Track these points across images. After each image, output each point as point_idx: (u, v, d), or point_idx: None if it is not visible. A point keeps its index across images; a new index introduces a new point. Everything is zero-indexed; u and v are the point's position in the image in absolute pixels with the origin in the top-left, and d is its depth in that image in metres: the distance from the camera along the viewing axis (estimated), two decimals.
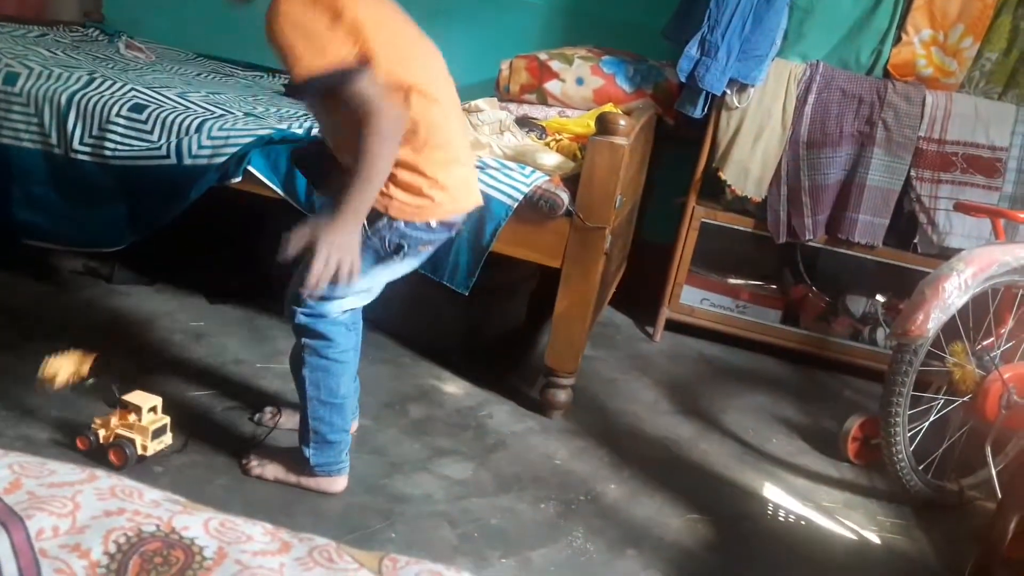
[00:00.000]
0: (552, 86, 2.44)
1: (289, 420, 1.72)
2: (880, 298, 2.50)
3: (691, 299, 2.53)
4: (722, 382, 2.38)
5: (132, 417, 1.52)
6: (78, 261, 2.19)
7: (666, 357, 2.48)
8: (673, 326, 2.57)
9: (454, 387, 2.04)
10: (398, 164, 1.36)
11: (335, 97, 1.31)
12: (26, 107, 2.00)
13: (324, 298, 1.42)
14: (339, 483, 1.56)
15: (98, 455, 1.49)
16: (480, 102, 2.17)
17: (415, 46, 1.45)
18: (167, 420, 1.56)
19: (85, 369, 1.52)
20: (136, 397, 1.54)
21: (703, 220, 2.45)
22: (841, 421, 2.06)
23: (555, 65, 2.45)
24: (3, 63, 2.07)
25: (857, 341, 2.49)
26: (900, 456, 1.84)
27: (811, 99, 2.31)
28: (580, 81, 2.43)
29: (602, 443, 1.90)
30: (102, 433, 1.51)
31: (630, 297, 2.64)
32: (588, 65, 2.45)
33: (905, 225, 2.39)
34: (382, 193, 1.37)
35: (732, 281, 2.57)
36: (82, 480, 0.52)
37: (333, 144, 1.47)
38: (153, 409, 1.54)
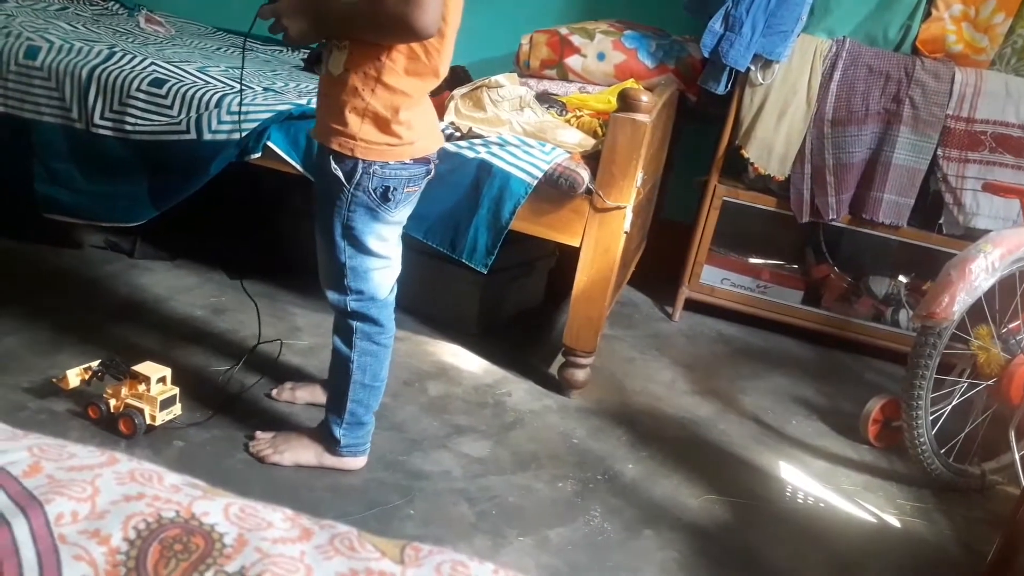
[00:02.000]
0: (573, 61, 2.41)
1: (306, 395, 1.73)
2: (903, 279, 2.46)
3: (711, 279, 2.50)
4: (741, 362, 2.37)
5: (141, 387, 1.53)
6: (100, 236, 2.21)
7: (685, 337, 2.46)
8: (693, 306, 2.55)
9: (472, 365, 2.04)
10: (377, 86, 1.31)
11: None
12: (47, 81, 2.00)
13: (366, 279, 1.43)
14: (360, 461, 1.57)
15: (109, 424, 1.52)
16: (500, 77, 2.14)
17: None
18: (176, 391, 1.57)
19: (93, 365, 1.58)
20: (145, 368, 1.56)
21: (725, 199, 2.42)
22: (862, 403, 2.04)
23: (576, 40, 2.42)
24: (24, 37, 2.07)
25: (879, 322, 2.46)
26: (922, 439, 1.82)
27: (837, 76, 2.26)
28: (601, 56, 2.40)
29: (620, 422, 1.90)
30: (112, 403, 1.54)
31: (649, 276, 2.62)
32: (610, 40, 2.41)
33: (930, 205, 2.34)
34: (346, 134, 1.33)
35: (753, 261, 2.54)
36: (102, 463, 0.52)
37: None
38: (162, 380, 1.56)
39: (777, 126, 2.31)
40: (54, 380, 1.57)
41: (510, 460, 1.69)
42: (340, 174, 1.35)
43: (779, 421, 2.06)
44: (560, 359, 1.96)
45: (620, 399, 2.01)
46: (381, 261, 1.46)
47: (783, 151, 2.33)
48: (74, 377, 1.56)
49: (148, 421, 1.53)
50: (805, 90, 2.29)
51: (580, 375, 1.94)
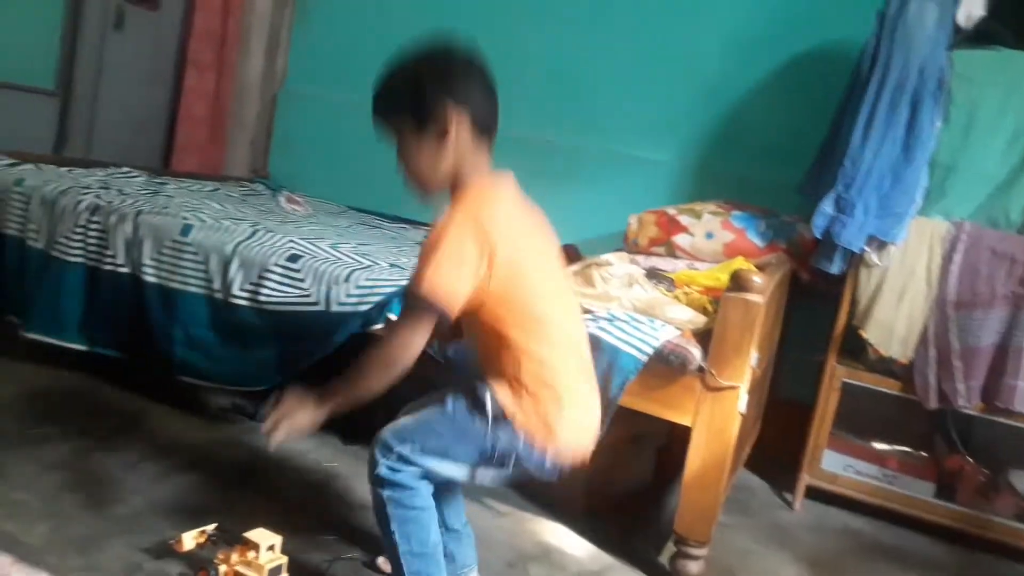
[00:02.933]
0: (681, 239, 2.46)
1: None
2: None
3: (833, 465, 2.36)
4: (871, 561, 2.18)
5: (251, 554, 1.54)
6: (227, 399, 2.32)
7: (807, 529, 2.30)
8: (814, 493, 2.40)
9: (577, 548, 1.96)
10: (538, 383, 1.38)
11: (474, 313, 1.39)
12: (196, 256, 2.20)
13: (412, 461, 1.41)
14: None
15: None
16: (609, 256, 2.21)
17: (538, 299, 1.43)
18: (284, 560, 1.57)
19: (208, 529, 1.62)
20: (257, 535, 1.56)
21: (845, 380, 2.33)
22: None
23: (684, 219, 2.48)
24: (181, 216, 2.31)
25: None
26: None
27: (957, 258, 2.21)
28: (710, 235, 2.45)
29: None
30: (223, 568, 1.53)
31: (766, 459, 2.50)
32: (718, 220, 2.46)
33: None
34: (516, 396, 1.38)
35: (878, 447, 2.39)
36: None
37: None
38: (272, 548, 1.56)
39: (897, 308, 2.25)
40: (171, 543, 1.60)
41: None
42: (489, 410, 1.38)
43: None
44: (671, 548, 1.86)
45: None
46: (448, 472, 1.43)
47: (904, 333, 2.25)
48: (189, 540, 1.59)
49: None
50: (924, 272, 2.24)
51: (693, 567, 1.82)
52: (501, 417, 1.38)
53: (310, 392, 1.41)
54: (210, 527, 1.62)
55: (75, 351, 2.31)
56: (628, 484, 2.30)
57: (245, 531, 1.58)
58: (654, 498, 2.30)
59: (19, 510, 1.66)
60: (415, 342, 1.36)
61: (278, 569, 1.57)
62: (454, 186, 1.43)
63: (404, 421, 1.47)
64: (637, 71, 3.14)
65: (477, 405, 1.40)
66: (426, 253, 1.36)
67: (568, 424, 1.41)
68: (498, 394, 1.39)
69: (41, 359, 2.37)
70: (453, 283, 1.34)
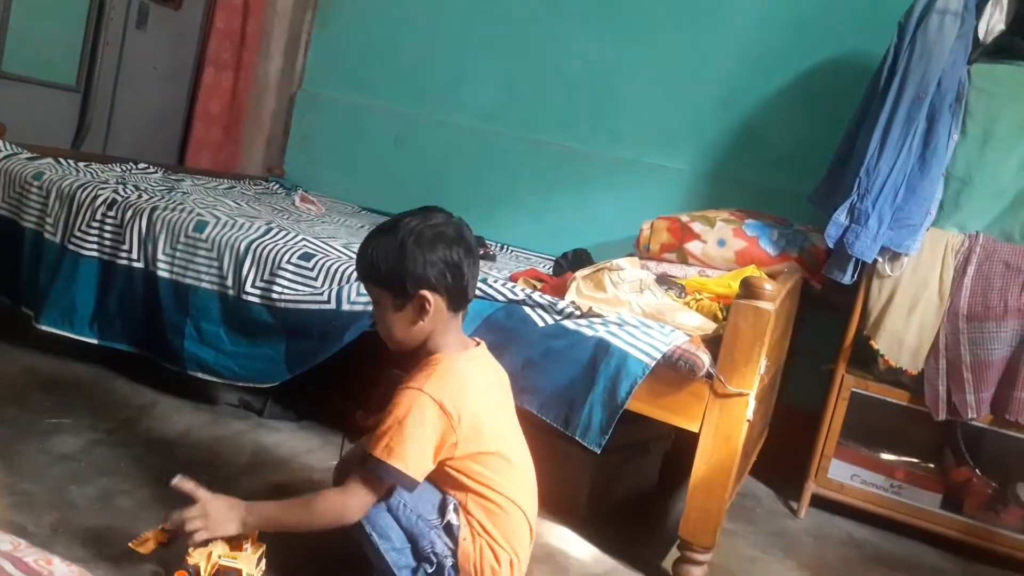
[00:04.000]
0: (693, 246, 2.46)
1: None
2: None
3: (840, 474, 2.36)
4: (874, 570, 2.17)
5: (246, 544, 1.52)
6: (235, 395, 2.34)
7: (812, 537, 2.29)
8: (819, 502, 2.39)
9: (581, 551, 1.96)
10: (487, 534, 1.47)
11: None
12: (210, 252, 2.22)
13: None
14: None
15: None
16: (621, 261, 2.21)
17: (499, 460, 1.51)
18: (263, 547, 1.55)
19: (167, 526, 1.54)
20: None
21: (853, 390, 2.33)
22: None
23: (696, 227, 2.48)
24: (195, 212, 2.33)
25: None
26: None
27: (971, 271, 2.20)
28: (722, 243, 2.44)
29: None
30: (203, 564, 1.48)
31: (772, 467, 2.50)
32: (730, 228, 2.46)
33: None
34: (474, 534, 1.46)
35: (886, 457, 2.38)
36: None
37: None
38: (248, 539, 1.53)
39: (908, 319, 2.24)
40: (131, 545, 1.51)
41: None
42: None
43: None
44: (675, 552, 1.86)
45: None
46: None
47: (915, 344, 2.24)
48: (151, 541, 1.51)
49: None
50: (937, 284, 2.23)
51: (697, 573, 1.82)
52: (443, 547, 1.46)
53: (238, 503, 1.48)
54: (168, 524, 1.53)
55: (87, 344, 2.34)
56: (633, 489, 2.30)
57: None
58: (659, 503, 2.30)
59: (28, 501, 1.68)
60: (366, 504, 1.43)
61: (262, 556, 1.56)
62: (426, 349, 1.50)
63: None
64: (654, 79, 3.14)
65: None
66: (391, 422, 1.41)
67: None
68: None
69: (53, 351, 2.40)
70: (419, 457, 1.40)
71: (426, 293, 1.44)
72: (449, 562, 1.46)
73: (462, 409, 1.43)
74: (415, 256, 1.43)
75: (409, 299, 1.46)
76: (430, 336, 1.49)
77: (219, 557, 1.51)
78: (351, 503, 1.43)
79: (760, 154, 2.97)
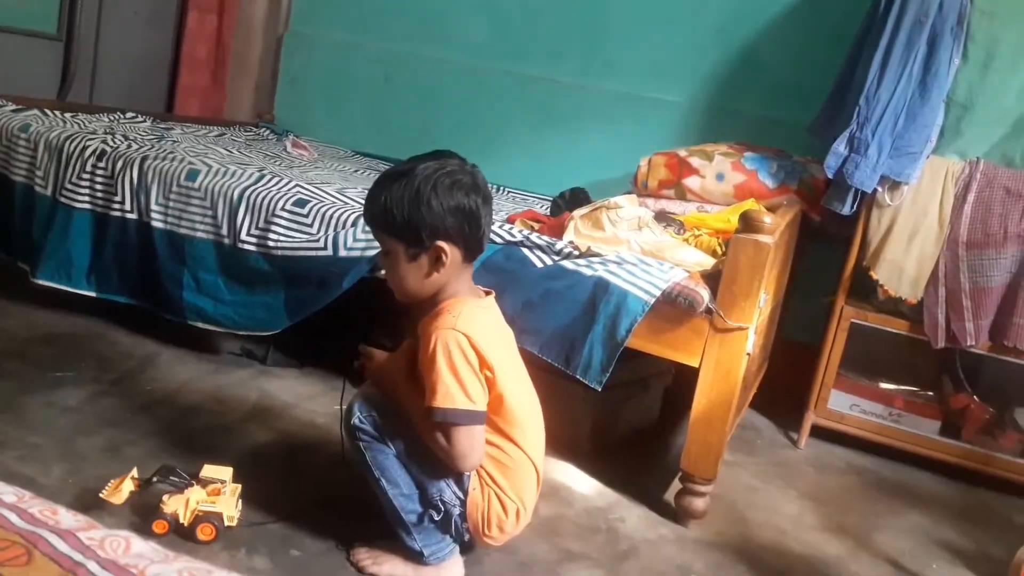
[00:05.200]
0: (691, 182, 2.44)
1: None
2: None
3: (840, 404, 2.38)
4: (874, 497, 2.21)
5: (226, 488, 1.53)
6: (236, 343, 2.34)
7: (812, 466, 2.33)
8: (819, 432, 2.43)
9: (584, 486, 1.99)
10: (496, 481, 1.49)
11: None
12: (203, 201, 2.20)
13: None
14: (456, 567, 1.53)
15: (180, 535, 1.48)
16: (619, 199, 2.19)
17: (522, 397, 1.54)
18: (239, 487, 1.57)
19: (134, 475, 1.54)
20: (214, 471, 1.56)
21: (853, 321, 2.33)
22: (1012, 550, 1.85)
23: (695, 161, 2.45)
24: (187, 161, 2.30)
25: None
26: None
27: (971, 198, 2.18)
28: (720, 177, 2.42)
29: (741, 558, 1.79)
30: (180, 511, 1.49)
31: (772, 399, 2.52)
32: (729, 161, 2.43)
33: None
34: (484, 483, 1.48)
35: (885, 386, 2.41)
36: None
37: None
38: (224, 482, 1.56)
39: (908, 248, 2.23)
40: (101, 496, 1.50)
41: None
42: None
43: (918, 565, 1.89)
44: (677, 485, 1.89)
45: (742, 532, 1.91)
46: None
47: (915, 273, 2.24)
48: (123, 490, 1.50)
49: (227, 523, 1.51)
50: (937, 212, 2.21)
51: (699, 504, 1.86)
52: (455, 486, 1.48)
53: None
54: (134, 471, 1.55)
55: (86, 297, 2.33)
56: (635, 424, 2.32)
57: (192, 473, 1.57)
58: (661, 438, 2.33)
59: (35, 453, 1.69)
60: (474, 446, 1.42)
61: (239, 498, 1.57)
62: (438, 298, 1.46)
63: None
64: (647, 9, 3.06)
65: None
66: (438, 369, 1.38)
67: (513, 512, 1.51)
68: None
69: (52, 305, 2.40)
70: (477, 389, 1.40)
71: (442, 244, 1.40)
72: (457, 511, 1.47)
73: (486, 350, 1.42)
74: (431, 204, 1.37)
75: (424, 249, 1.41)
76: (443, 287, 1.46)
77: (197, 503, 1.51)
78: (457, 457, 1.41)
79: (759, 84, 2.91)
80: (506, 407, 1.48)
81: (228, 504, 1.53)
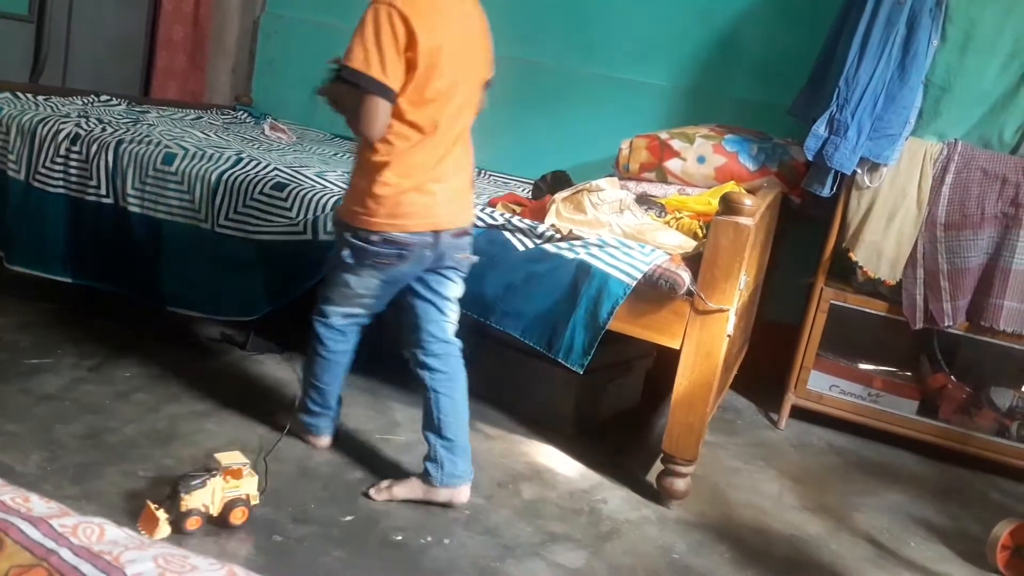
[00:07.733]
0: (672, 164, 2.44)
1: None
2: None
3: (819, 385, 2.40)
4: (853, 476, 2.24)
5: (246, 471, 1.54)
6: (216, 329, 2.32)
7: (792, 446, 2.36)
8: (799, 413, 2.45)
9: (567, 468, 2.00)
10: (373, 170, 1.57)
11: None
12: (180, 185, 2.17)
13: (327, 302, 1.74)
14: (464, 494, 1.73)
15: (215, 524, 1.50)
16: (601, 181, 2.18)
17: (446, 90, 1.58)
18: (248, 462, 1.58)
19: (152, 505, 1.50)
20: (230, 457, 1.56)
21: (832, 302, 2.35)
22: (988, 526, 1.88)
23: (676, 144, 2.45)
24: (163, 144, 2.26)
25: (1004, 437, 2.29)
26: None
27: (949, 179, 2.20)
28: (701, 159, 2.42)
29: (723, 538, 1.81)
30: (208, 503, 1.50)
31: (752, 380, 2.54)
32: (710, 144, 2.43)
33: None
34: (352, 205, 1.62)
35: (864, 367, 2.43)
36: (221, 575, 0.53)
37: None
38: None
39: (887, 229, 2.24)
40: (141, 530, 1.46)
41: (606, 574, 1.63)
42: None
43: (896, 543, 1.92)
44: (659, 466, 1.91)
45: (723, 512, 1.93)
46: (352, 302, 1.72)
47: (893, 255, 2.26)
48: (162, 519, 1.46)
49: (253, 502, 1.55)
50: (915, 193, 2.23)
51: (680, 484, 1.87)
52: (342, 224, 1.64)
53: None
54: (148, 503, 1.49)
55: (62, 283, 2.30)
56: (617, 406, 2.33)
57: (214, 464, 1.55)
58: (642, 420, 2.34)
59: (13, 441, 1.68)
60: (375, 132, 1.53)
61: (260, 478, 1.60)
62: None
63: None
64: None
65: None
66: (362, 33, 1.49)
67: (417, 209, 1.59)
68: (342, 211, 1.65)
69: (28, 291, 2.36)
70: (394, 63, 1.48)
71: None
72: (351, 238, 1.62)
73: (420, 31, 1.48)
74: None
75: None
76: None
77: (223, 491, 1.53)
78: (361, 121, 1.51)
79: (741, 67, 2.91)
80: (424, 99, 1.52)
81: (250, 484, 1.55)
